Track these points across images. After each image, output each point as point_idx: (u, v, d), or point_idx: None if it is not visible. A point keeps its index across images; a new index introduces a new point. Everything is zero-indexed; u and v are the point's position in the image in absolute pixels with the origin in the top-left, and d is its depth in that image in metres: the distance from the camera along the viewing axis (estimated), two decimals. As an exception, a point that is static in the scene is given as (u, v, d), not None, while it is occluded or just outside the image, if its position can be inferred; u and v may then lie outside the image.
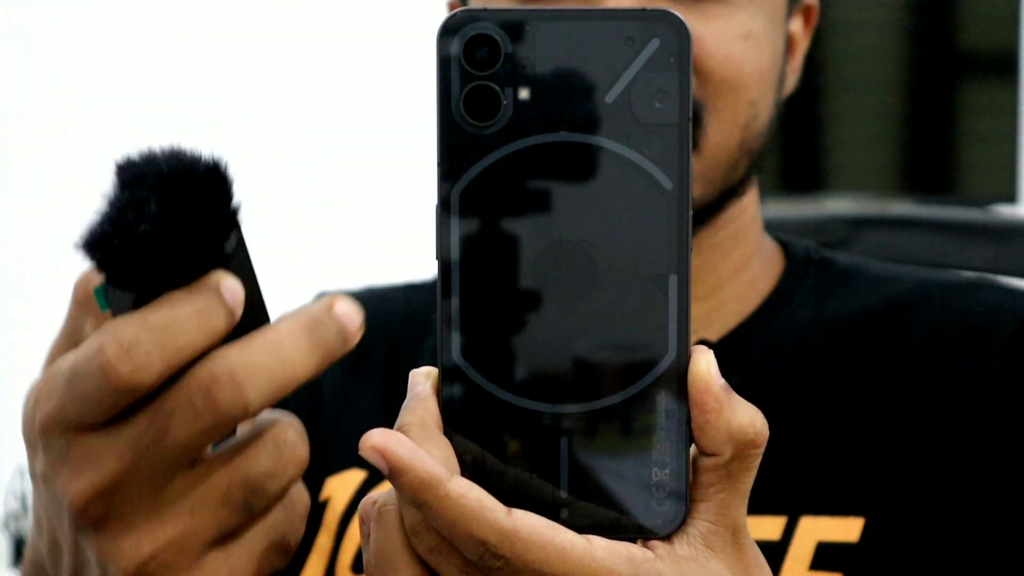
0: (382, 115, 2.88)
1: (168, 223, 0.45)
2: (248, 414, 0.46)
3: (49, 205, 3.01)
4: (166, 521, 0.47)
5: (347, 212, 2.88)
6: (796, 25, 0.91)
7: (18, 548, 2.75)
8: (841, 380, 0.84)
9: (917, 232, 1.14)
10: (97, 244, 0.46)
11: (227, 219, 0.47)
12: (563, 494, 0.52)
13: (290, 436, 0.49)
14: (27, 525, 2.75)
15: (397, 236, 2.77)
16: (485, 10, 0.52)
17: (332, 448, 0.90)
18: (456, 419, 0.52)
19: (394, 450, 0.49)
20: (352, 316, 0.48)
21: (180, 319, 0.46)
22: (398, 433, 0.50)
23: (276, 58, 2.95)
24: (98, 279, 0.48)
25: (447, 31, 0.52)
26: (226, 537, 0.49)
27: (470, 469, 0.52)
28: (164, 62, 2.98)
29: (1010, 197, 2.70)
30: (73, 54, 3.00)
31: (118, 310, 0.47)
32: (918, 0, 2.77)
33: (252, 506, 0.48)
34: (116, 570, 0.47)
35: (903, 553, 0.78)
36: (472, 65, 0.52)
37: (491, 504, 0.50)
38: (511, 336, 0.52)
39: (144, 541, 0.47)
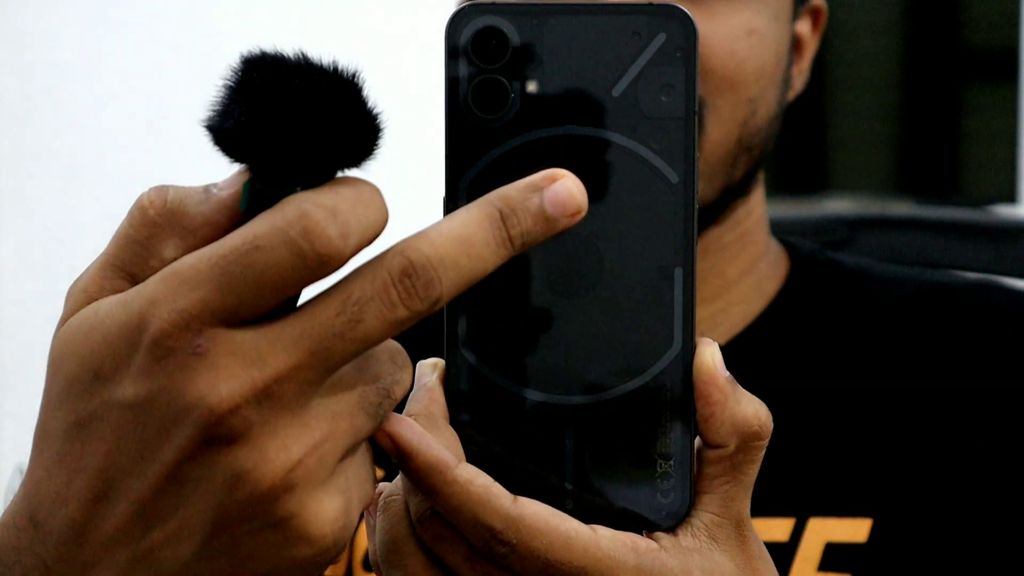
0: (390, 106, 2.87)
1: (340, 118, 0.44)
2: (433, 311, 0.44)
3: (45, 205, 3.02)
4: (311, 424, 0.44)
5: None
6: (804, 27, 0.91)
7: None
8: (848, 382, 0.84)
9: (917, 232, 1.14)
10: (259, 131, 0.43)
11: (379, 120, 0.46)
12: (568, 485, 0.53)
13: (400, 348, 0.47)
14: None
15: (405, 227, 2.76)
16: (493, 4, 0.52)
17: None
18: (462, 410, 0.53)
19: (403, 434, 0.50)
20: (565, 201, 0.46)
21: (366, 196, 0.44)
22: (408, 418, 0.51)
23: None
24: (236, 179, 0.45)
25: (455, 24, 0.52)
26: (348, 451, 0.46)
27: (476, 459, 0.52)
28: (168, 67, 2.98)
29: (1010, 197, 2.70)
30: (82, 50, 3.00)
31: (257, 211, 0.44)
32: (918, 0, 2.77)
33: (383, 412, 0.46)
34: (255, 485, 0.43)
35: (911, 553, 0.78)
36: (480, 58, 0.52)
37: (497, 491, 0.50)
38: (517, 327, 0.53)
39: (292, 446, 0.43)
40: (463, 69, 0.52)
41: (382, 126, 0.45)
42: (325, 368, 0.43)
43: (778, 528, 0.78)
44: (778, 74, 0.86)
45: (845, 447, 0.82)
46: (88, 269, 0.47)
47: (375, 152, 0.46)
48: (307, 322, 0.43)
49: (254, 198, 0.44)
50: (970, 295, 0.88)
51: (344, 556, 0.87)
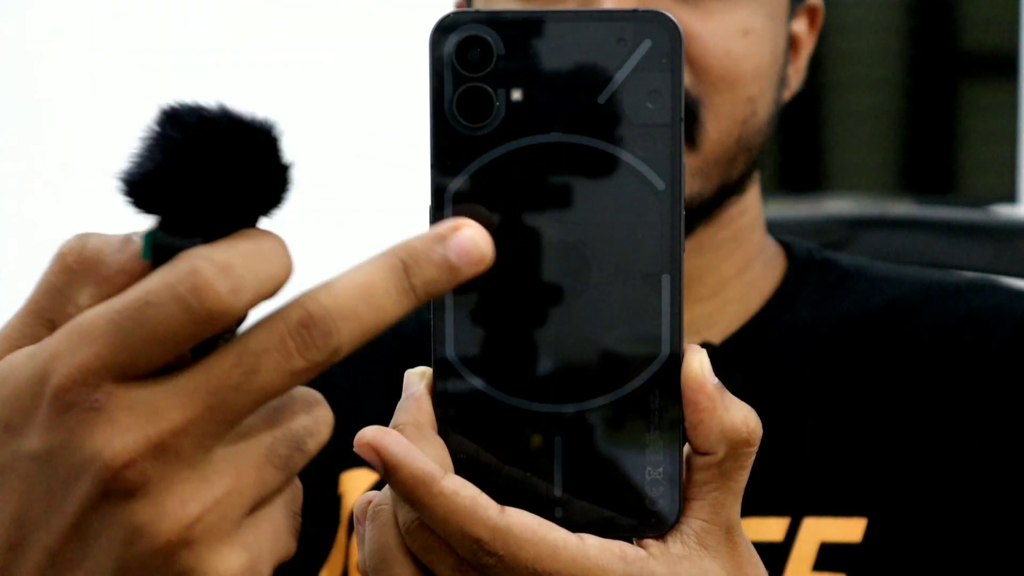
0: (375, 116, 2.88)
1: (249, 169, 0.43)
2: (334, 361, 0.44)
3: (43, 206, 3.02)
4: (212, 479, 0.43)
5: (339, 213, 2.88)
6: (800, 26, 0.91)
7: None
8: (843, 381, 0.84)
9: (917, 232, 1.14)
10: (162, 184, 0.43)
11: (288, 173, 0.45)
12: (557, 493, 0.53)
13: (318, 397, 0.47)
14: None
15: (391, 237, 2.76)
16: (477, 12, 0.52)
17: (346, 443, 0.90)
18: (450, 418, 0.53)
19: (388, 447, 0.50)
20: (469, 250, 0.45)
21: (266, 250, 0.43)
22: (393, 431, 0.51)
23: (268, 58, 2.95)
24: (143, 225, 0.45)
25: (439, 32, 0.52)
26: (257, 504, 0.45)
27: (464, 468, 0.52)
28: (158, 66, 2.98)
29: (1010, 197, 2.70)
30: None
31: (162, 261, 0.44)
32: (918, 0, 2.77)
33: (294, 465, 0.45)
34: (153, 539, 0.43)
35: (906, 553, 0.78)
36: (464, 67, 0.52)
37: (484, 502, 0.50)
38: (505, 335, 0.53)
39: (191, 502, 0.43)
40: (447, 78, 0.52)
41: (289, 179, 0.44)
42: (223, 421, 0.43)
43: (773, 528, 0.78)
44: (775, 73, 0.86)
45: (840, 446, 0.82)
46: (13, 315, 0.47)
47: (279, 206, 0.45)
48: (203, 374, 0.43)
49: (156, 250, 0.44)
50: (965, 294, 0.88)
51: (340, 560, 0.87)
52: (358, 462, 0.88)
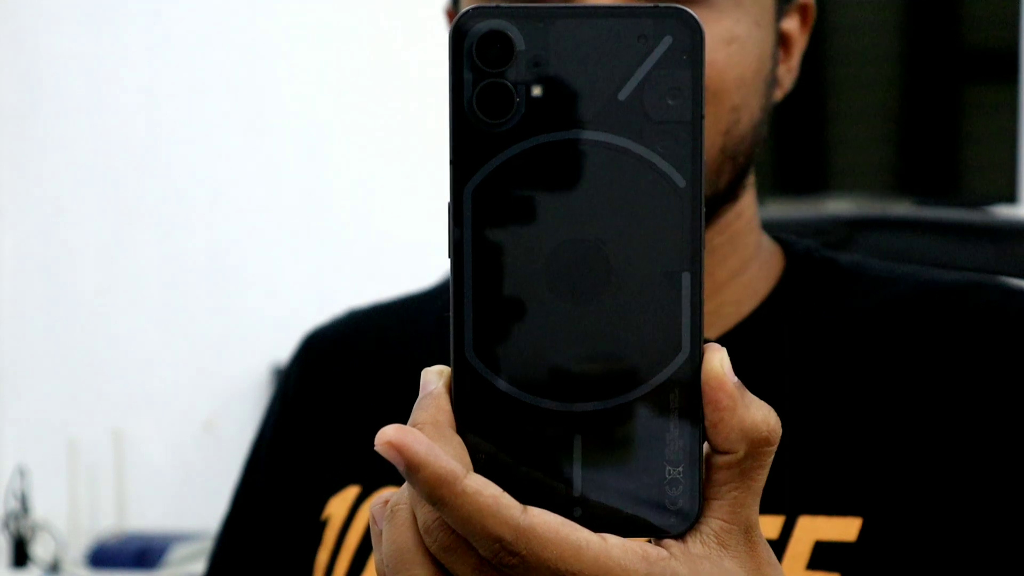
0: (395, 114, 2.87)
1: None
2: None
3: (45, 206, 3.01)
4: None
5: (358, 211, 2.88)
6: (791, 24, 0.90)
7: (18, 548, 2.74)
8: (840, 379, 0.84)
9: (917, 233, 1.14)
10: None
11: None
12: (577, 492, 0.52)
13: None
14: (27, 525, 2.74)
15: (410, 234, 2.76)
16: (498, 7, 0.52)
17: (333, 468, 0.90)
18: (469, 417, 0.52)
19: (410, 446, 0.49)
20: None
21: None
22: (414, 429, 0.50)
23: (288, 57, 2.95)
24: None
25: (460, 28, 0.52)
26: None
27: (483, 468, 0.52)
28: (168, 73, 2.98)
29: (1010, 197, 2.70)
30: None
31: None
32: (918, 0, 2.77)
33: None
34: None
35: (901, 553, 0.78)
36: (485, 62, 0.52)
37: (507, 501, 0.50)
38: (524, 334, 0.52)
39: None
40: (467, 74, 0.51)
41: None
42: None
43: (767, 525, 0.78)
44: (761, 79, 0.85)
45: (836, 445, 0.81)
46: None
47: None
48: None
49: None
50: (964, 293, 0.87)
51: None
52: (343, 484, 0.88)
